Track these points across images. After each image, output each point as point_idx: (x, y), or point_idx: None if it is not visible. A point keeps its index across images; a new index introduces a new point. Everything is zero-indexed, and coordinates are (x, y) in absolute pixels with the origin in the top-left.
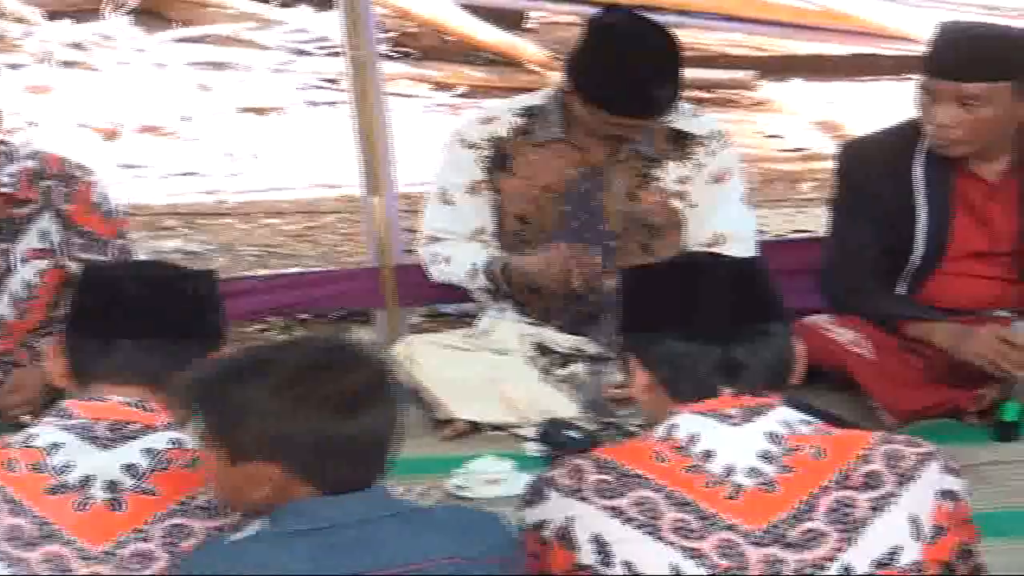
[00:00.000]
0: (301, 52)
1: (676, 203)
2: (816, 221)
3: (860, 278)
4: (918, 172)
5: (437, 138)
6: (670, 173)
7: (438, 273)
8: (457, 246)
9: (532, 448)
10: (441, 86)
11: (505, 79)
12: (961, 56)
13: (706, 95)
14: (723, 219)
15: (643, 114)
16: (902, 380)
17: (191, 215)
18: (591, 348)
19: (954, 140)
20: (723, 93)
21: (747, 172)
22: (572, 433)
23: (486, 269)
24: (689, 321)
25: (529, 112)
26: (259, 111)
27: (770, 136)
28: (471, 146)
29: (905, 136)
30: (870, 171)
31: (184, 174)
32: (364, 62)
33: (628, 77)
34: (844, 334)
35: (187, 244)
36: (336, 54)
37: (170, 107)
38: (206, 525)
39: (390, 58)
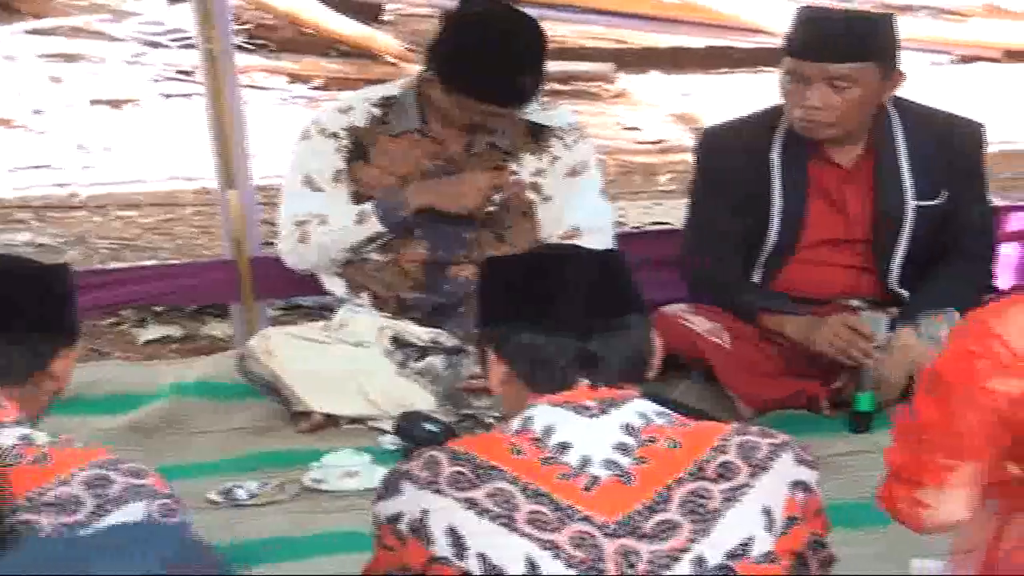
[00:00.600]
0: (155, 44)
1: (531, 196)
2: (674, 213)
3: (717, 264)
4: (775, 158)
5: (294, 131)
6: (526, 166)
7: (306, 249)
8: (332, 211)
9: (389, 441)
10: (298, 78)
11: (362, 71)
12: (829, 37)
13: (564, 87)
14: (580, 212)
15: (507, 102)
16: (758, 370)
17: (43, 208)
18: (448, 340)
19: (823, 122)
20: (581, 85)
21: (605, 164)
22: (429, 426)
23: (378, 204)
24: (546, 313)
25: (386, 102)
26: (113, 103)
27: (628, 128)
28: (332, 135)
29: (764, 123)
30: (728, 157)
31: (35, 167)
32: (218, 54)
33: (492, 64)
34: (702, 324)
35: (38, 237)
36: (190, 46)
37: (21, 100)
38: (55, 521)
39: (246, 50)
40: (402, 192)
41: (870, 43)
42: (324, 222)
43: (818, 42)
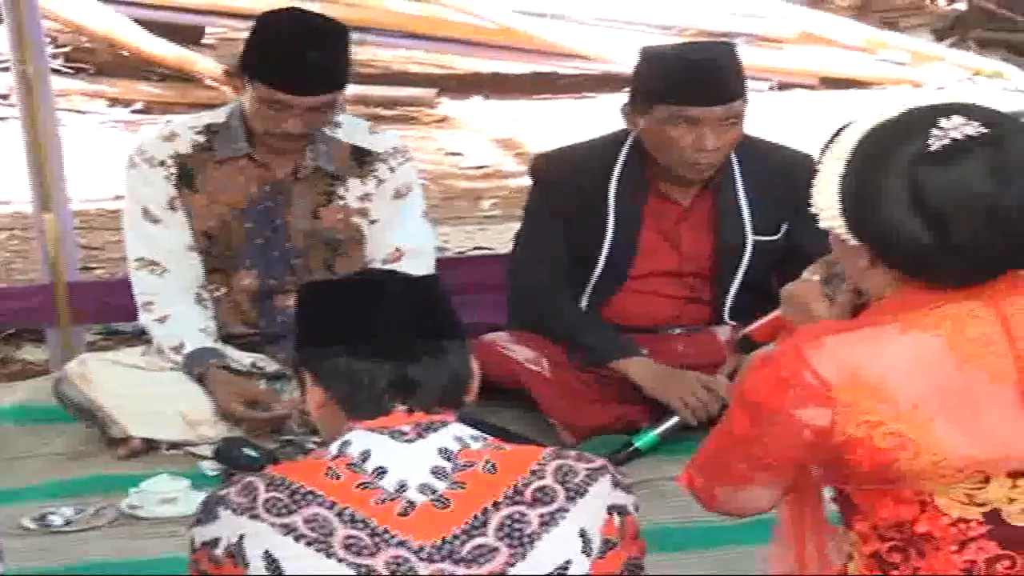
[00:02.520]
0: None
1: (358, 220)
2: (497, 238)
3: (546, 287)
4: (612, 188)
5: (114, 154)
6: (352, 190)
7: (145, 319)
8: (174, 303)
9: (208, 466)
10: (117, 101)
11: (182, 94)
12: (718, 79)
13: (387, 112)
14: (403, 234)
15: (299, 89)
16: (577, 398)
17: None
18: (270, 366)
19: (715, 162)
20: (404, 110)
21: (429, 189)
22: (249, 451)
23: (189, 356)
24: (362, 338)
25: (210, 129)
26: None
27: (451, 153)
28: (160, 163)
29: (603, 152)
30: (563, 181)
31: None
32: (33, 77)
33: (285, 49)
34: (521, 352)
35: None
36: (5, 68)
37: None
38: None
39: (64, 73)
40: (219, 352)
41: (742, 80)
42: (163, 322)
43: (710, 86)
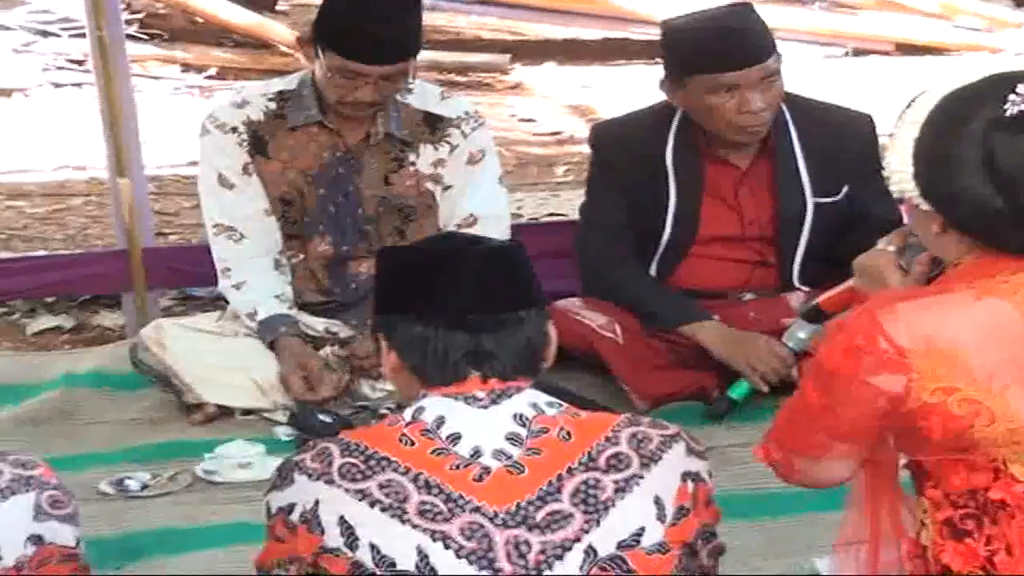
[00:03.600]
0: (45, 33)
1: (430, 186)
2: (570, 204)
3: (612, 257)
4: (669, 156)
5: (187, 120)
6: (424, 156)
7: (223, 285)
8: (251, 270)
9: (283, 432)
10: (191, 67)
11: (256, 61)
12: (748, 39)
13: (460, 78)
14: (477, 200)
15: (374, 58)
16: (651, 364)
17: None
18: (343, 331)
19: (766, 121)
20: (477, 76)
21: (502, 155)
22: (323, 417)
23: (263, 323)
24: (440, 307)
25: (282, 96)
26: (2, 92)
27: (524, 120)
28: (232, 130)
29: (658, 120)
30: (623, 153)
31: None
32: (109, 43)
33: (358, 21)
34: (594, 318)
35: None
36: (81, 35)
37: None
38: None
39: (138, 39)
40: (292, 320)
41: (769, 36)
42: (239, 288)
43: (742, 48)
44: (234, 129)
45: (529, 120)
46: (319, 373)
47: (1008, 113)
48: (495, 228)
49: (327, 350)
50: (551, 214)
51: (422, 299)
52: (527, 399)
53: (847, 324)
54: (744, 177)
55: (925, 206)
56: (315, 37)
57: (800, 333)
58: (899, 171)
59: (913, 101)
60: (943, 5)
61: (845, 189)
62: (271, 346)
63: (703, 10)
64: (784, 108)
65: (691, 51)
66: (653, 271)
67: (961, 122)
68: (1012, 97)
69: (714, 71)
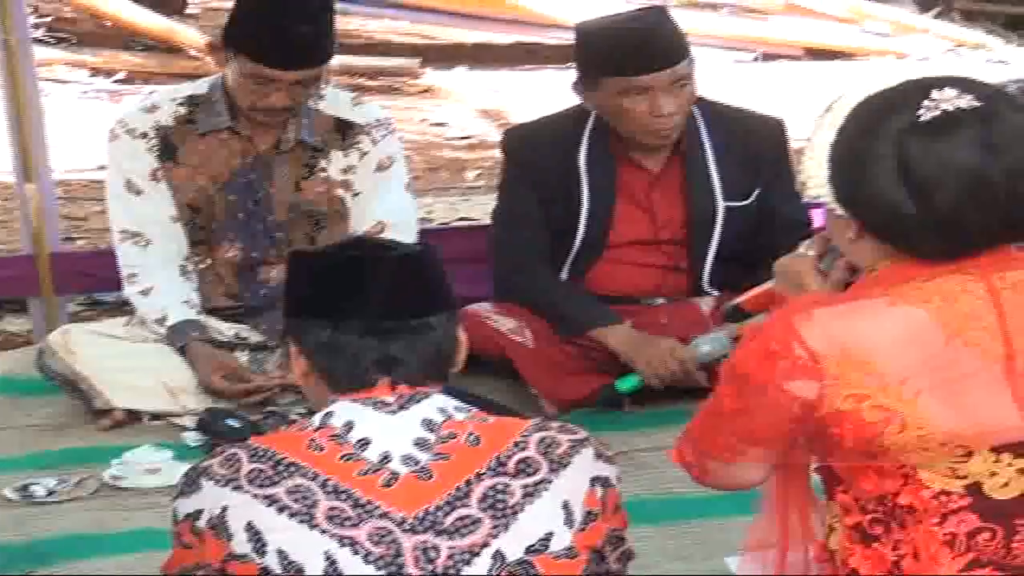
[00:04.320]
0: None
1: (341, 193)
2: (481, 209)
3: (525, 261)
4: (582, 160)
5: (96, 124)
6: (335, 163)
7: (130, 291)
8: (158, 275)
9: (191, 437)
10: (99, 72)
11: (165, 65)
12: (661, 43)
13: (371, 83)
14: (386, 207)
15: (286, 62)
16: (561, 369)
17: None
18: (253, 336)
19: (675, 126)
20: (388, 81)
21: (413, 160)
22: (232, 422)
23: (172, 328)
24: (349, 312)
25: (192, 101)
26: None
27: (435, 124)
28: (141, 135)
29: (570, 123)
30: (535, 157)
31: None
32: (15, 47)
33: (271, 21)
34: (505, 323)
35: None
36: None
37: None
38: None
39: (46, 43)
40: (201, 325)
41: (683, 40)
42: (146, 294)
43: (655, 51)
44: (143, 134)
45: (440, 124)
46: (246, 365)
47: (922, 119)
48: (403, 235)
49: (238, 356)
50: (462, 218)
51: (332, 305)
52: (436, 404)
53: (762, 329)
54: (656, 180)
55: (840, 211)
56: (226, 42)
57: (705, 346)
58: (815, 176)
59: (830, 106)
60: (852, 10)
61: (756, 192)
62: (181, 351)
63: (617, 13)
64: (696, 112)
65: (604, 53)
66: (565, 275)
67: (876, 127)
68: (926, 103)
69: (626, 73)
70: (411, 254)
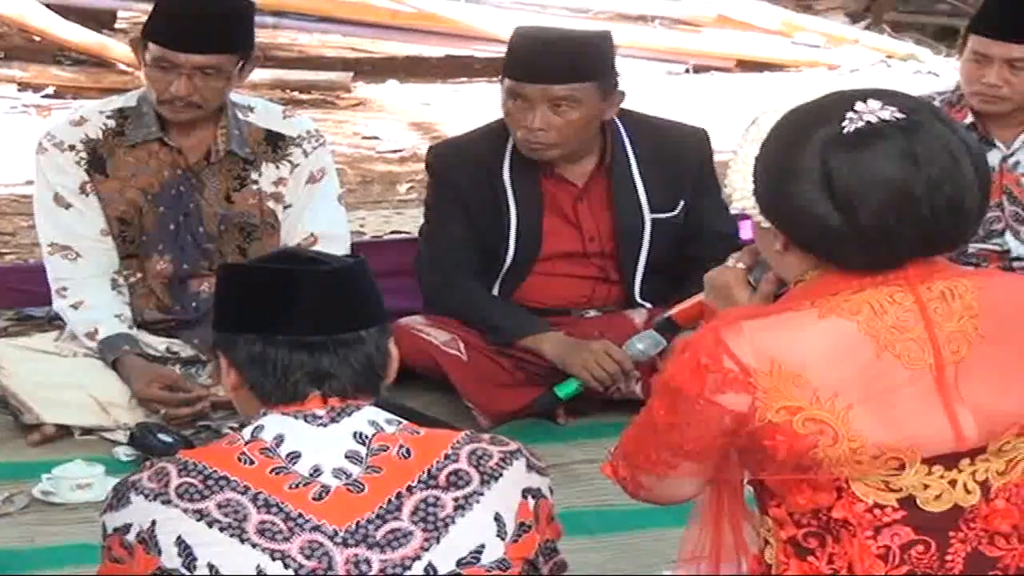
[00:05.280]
0: None
1: (272, 205)
2: (414, 222)
3: (454, 276)
4: (507, 175)
5: (24, 139)
6: (266, 175)
7: (59, 305)
8: (88, 289)
9: (122, 452)
10: (28, 86)
11: (95, 79)
12: (549, 59)
13: (304, 96)
14: (317, 219)
15: (185, 44)
16: (494, 381)
17: None
18: (185, 350)
19: (547, 143)
20: (320, 94)
21: (345, 173)
22: (164, 436)
23: (104, 342)
24: (279, 325)
25: (121, 113)
26: None
27: (368, 137)
28: (69, 148)
29: (494, 139)
30: (460, 172)
31: None
32: None
33: (177, 4)
34: (438, 335)
35: None
36: None
37: None
38: None
39: None
40: (133, 339)
41: (588, 63)
42: (76, 308)
43: (538, 64)
44: (72, 147)
45: (372, 138)
46: (180, 380)
47: (846, 130)
48: (335, 247)
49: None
50: (394, 231)
51: (263, 319)
52: (366, 417)
53: (692, 342)
54: (582, 193)
55: (766, 224)
56: (142, 35)
57: (639, 344)
58: (740, 188)
59: (756, 120)
60: (784, 22)
61: (682, 204)
62: (113, 365)
63: (559, 26)
64: (619, 124)
65: (508, 54)
66: (496, 290)
67: (800, 139)
68: (850, 115)
69: (511, 76)
70: (341, 268)
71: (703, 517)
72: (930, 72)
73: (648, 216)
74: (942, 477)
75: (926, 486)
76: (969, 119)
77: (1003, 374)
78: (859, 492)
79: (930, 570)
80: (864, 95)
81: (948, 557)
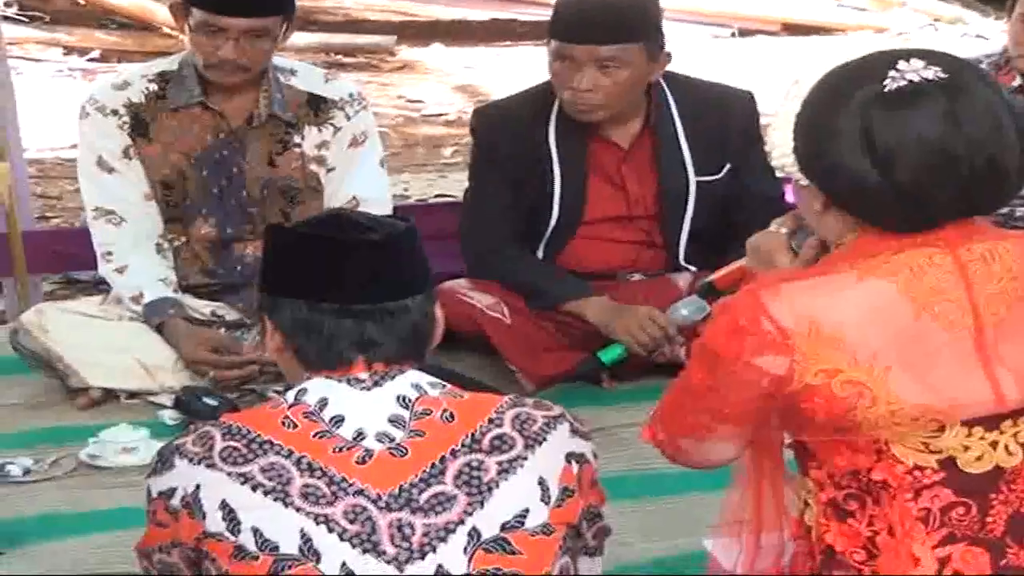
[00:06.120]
0: None
1: (315, 168)
2: (458, 185)
3: (497, 242)
4: (551, 137)
5: (70, 103)
6: (308, 138)
7: (105, 269)
8: (132, 253)
9: (168, 416)
10: (73, 50)
11: (139, 43)
12: (596, 19)
13: (348, 59)
14: (359, 183)
15: (232, 7)
16: (537, 345)
17: None
18: (230, 314)
19: (594, 105)
20: (365, 58)
21: (389, 137)
22: (209, 400)
23: (149, 306)
24: (328, 295)
25: (163, 77)
26: None
27: (412, 101)
28: (112, 112)
29: (539, 101)
30: (505, 135)
31: None
32: None
33: None
34: (481, 299)
35: None
36: None
37: None
38: None
39: (18, 21)
40: (177, 302)
41: (636, 24)
42: (121, 272)
43: (586, 25)
44: (114, 111)
45: (416, 101)
46: (228, 342)
47: (887, 89)
48: (377, 211)
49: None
50: (439, 195)
51: (310, 286)
52: (410, 380)
53: (731, 305)
54: (627, 156)
55: (805, 182)
56: (183, 1)
57: (683, 309)
58: (780, 146)
59: (798, 78)
60: None
61: (727, 167)
62: (158, 329)
63: None
64: (665, 87)
65: (554, 15)
66: (541, 254)
67: (841, 97)
68: (892, 73)
69: (557, 37)
70: (391, 238)
71: (743, 481)
72: (977, 35)
73: (693, 179)
74: (983, 439)
75: (967, 448)
76: (1017, 82)
77: None
78: (898, 454)
79: (970, 532)
80: (907, 54)
81: (989, 519)
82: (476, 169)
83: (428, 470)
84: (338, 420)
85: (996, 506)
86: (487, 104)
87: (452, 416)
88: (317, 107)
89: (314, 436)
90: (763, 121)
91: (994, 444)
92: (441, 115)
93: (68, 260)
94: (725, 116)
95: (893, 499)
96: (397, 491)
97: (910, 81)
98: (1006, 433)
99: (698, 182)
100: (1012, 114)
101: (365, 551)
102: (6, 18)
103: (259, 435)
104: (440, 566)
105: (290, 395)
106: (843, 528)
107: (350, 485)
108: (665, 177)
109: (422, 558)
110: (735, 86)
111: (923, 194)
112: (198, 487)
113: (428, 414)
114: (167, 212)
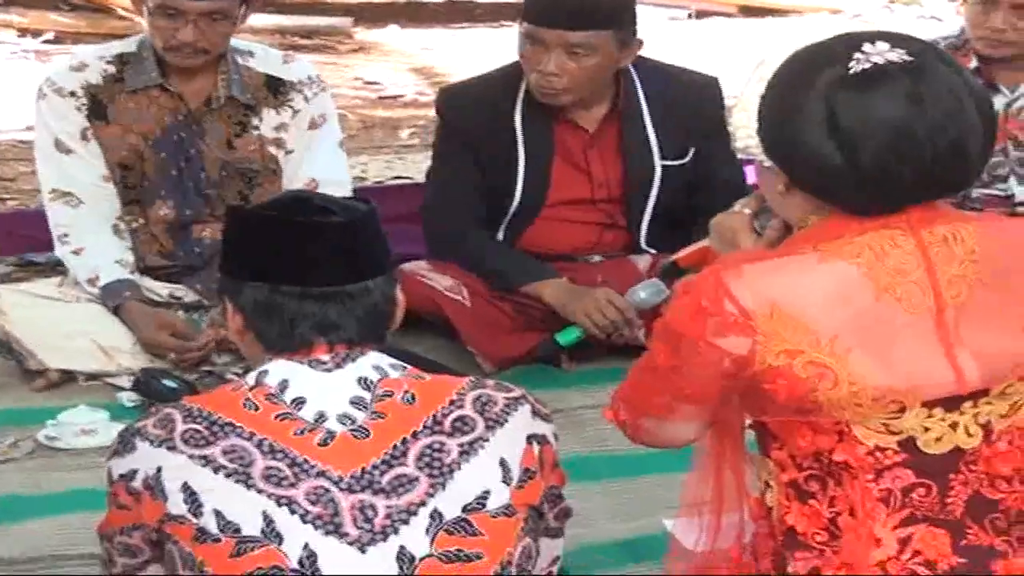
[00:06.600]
0: None
1: (273, 150)
2: (416, 167)
3: (460, 223)
4: (517, 119)
5: (24, 85)
6: (266, 120)
7: (61, 251)
8: (89, 235)
9: (127, 398)
10: (27, 32)
11: (94, 25)
12: (568, 5)
13: (305, 41)
14: (318, 165)
15: None
16: (497, 327)
17: None
18: (188, 296)
19: (560, 88)
20: (321, 40)
21: (347, 119)
22: (168, 382)
23: (106, 288)
24: (287, 275)
25: (121, 59)
26: None
27: (369, 83)
28: (70, 94)
29: (506, 83)
30: (470, 117)
31: None
32: None
33: None
34: (441, 281)
35: None
36: None
37: None
38: None
39: None
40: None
41: (608, 13)
42: (78, 254)
43: (557, 9)
44: (72, 93)
45: (374, 83)
46: (186, 326)
47: (852, 71)
48: (336, 193)
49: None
50: (396, 177)
51: (271, 268)
52: (371, 362)
53: (694, 285)
54: (593, 139)
55: (768, 163)
56: None
57: (642, 292)
58: (744, 127)
59: (762, 59)
60: None
61: (692, 152)
62: (115, 311)
63: None
64: (632, 71)
65: None
66: (502, 235)
67: (805, 78)
68: (857, 56)
69: (526, 19)
70: (352, 221)
71: (704, 461)
72: (932, 17)
73: (659, 163)
74: (943, 420)
75: (927, 428)
76: (973, 64)
77: (1004, 318)
78: (860, 435)
79: (931, 513)
80: (872, 37)
81: (949, 500)
82: (441, 149)
83: (390, 452)
84: (299, 402)
85: (956, 487)
86: (453, 84)
87: (413, 398)
88: (276, 89)
89: (275, 418)
90: (726, 103)
91: (954, 425)
92: (399, 97)
93: (24, 242)
94: (692, 101)
95: (854, 480)
96: (359, 473)
97: (875, 64)
98: (966, 414)
99: (664, 166)
100: (974, 96)
101: (327, 533)
102: None
103: (220, 417)
104: (402, 548)
105: (251, 377)
106: (804, 509)
107: (312, 467)
108: (631, 161)
109: (384, 539)
110: (701, 72)
111: (886, 176)
112: (159, 469)
113: (389, 396)
114: (125, 194)
